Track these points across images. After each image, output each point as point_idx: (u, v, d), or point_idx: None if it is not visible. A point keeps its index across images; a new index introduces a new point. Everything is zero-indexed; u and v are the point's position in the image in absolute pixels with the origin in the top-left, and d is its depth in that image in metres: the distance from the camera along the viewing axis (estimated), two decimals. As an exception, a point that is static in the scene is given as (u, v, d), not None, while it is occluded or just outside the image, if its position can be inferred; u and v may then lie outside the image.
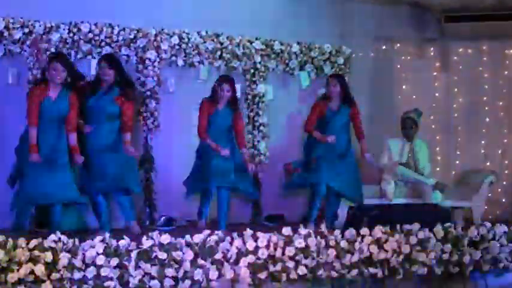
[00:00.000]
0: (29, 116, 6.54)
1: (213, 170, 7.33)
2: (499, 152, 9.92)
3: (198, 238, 5.59)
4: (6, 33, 7.37)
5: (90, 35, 7.73)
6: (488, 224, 6.60)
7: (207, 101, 7.52)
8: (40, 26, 7.50)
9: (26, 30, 7.45)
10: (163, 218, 7.92)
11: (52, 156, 6.59)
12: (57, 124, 6.68)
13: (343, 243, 5.92)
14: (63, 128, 6.70)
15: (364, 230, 6.07)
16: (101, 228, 6.92)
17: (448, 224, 6.35)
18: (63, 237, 5.31)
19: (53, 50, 7.51)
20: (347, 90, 7.93)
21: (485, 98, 9.94)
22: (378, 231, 6.07)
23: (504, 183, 9.74)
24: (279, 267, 5.67)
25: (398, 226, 6.20)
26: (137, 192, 7.28)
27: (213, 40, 8.36)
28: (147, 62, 7.99)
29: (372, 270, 5.93)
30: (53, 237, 5.28)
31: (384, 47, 9.84)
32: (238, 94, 8.21)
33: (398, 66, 9.92)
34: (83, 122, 6.94)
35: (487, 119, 9.94)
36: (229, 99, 7.52)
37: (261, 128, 8.61)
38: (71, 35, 7.65)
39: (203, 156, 7.47)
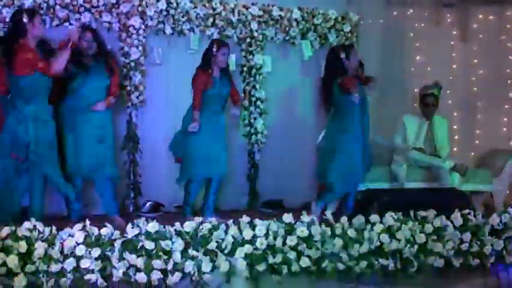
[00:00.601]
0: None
1: (203, 158, 7.40)
2: (524, 130, 9.91)
3: (189, 226, 5.59)
4: (-29, -1, 7.36)
5: (67, 0, 7.70)
6: (512, 211, 6.60)
7: (203, 70, 7.48)
8: (11, -11, 7.47)
9: (-6, -6, 7.44)
10: (149, 203, 7.93)
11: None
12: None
13: (351, 232, 5.91)
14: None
15: (374, 217, 6.06)
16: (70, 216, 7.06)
17: (467, 211, 6.35)
18: (39, 225, 5.30)
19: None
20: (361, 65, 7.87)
21: (508, 70, 9.90)
22: (390, 218, 6.07)
23: (529, 165, 9.71)
24: (279, 258, 5.66)
25: (412, 213, 6.19)
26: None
27: (204, 5, 8.32)
28: (131, 29, 7.95)
29: (382, 261, 5.93)
30: (27, 225, 5.27)
31: (395, 13, 9.78)
32: (233, 66, 8.25)
33: (411, 35, 9.88)
34: None
35: (511, 94, 9.90)
36: (223, 65, 7.54)
37: (258, 103, 8.59)
38: (46, -1, 7.65)
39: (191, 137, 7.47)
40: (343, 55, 7.59)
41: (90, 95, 7.06)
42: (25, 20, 6.64)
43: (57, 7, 7.66)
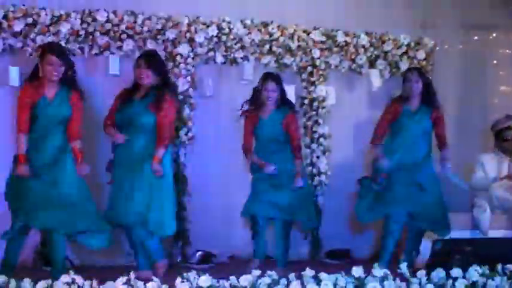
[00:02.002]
0: (17, 120, 6.61)
1: (261, 198, 7.43)
2: None
3: (246, 280, 5.55)
4: (5, 25, 7.48)
5: (108, 26, 7.80)
6: None
7: (250, 108, 7.58)
8: (46, 15, 7.58)
9: (30, 20, 7.55)
10: (199, 253, 7.93)
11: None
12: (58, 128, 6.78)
13: (430, 288, 5.85)
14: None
15: (456, 271, 5.97)
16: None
17: None
18: (78, 278, 5.31)
19: (62, 44, 7.60)
20: (430, 88, 7.81)
21: None
22: (474, 272, 5.97)
23: None
24: (348, 317, 5.61)
25: (499, 266, 6.09)
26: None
27: (260, 30, 8.37)
28: (178, 58, 8.05)
29: (466, 321, 5.85)
30: (65, 278, 5.29)
31: (475, 38, 9.71)
32: (292, 98, 8.24)
33: (495, 62, 9.80)
34: (114, 130, 7.01)
35: None
36: (275, 101, 7.56)
37: (321, 140, 8.58)
38: (85, 25, 7.74)
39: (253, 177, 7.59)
40: None
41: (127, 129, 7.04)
42: None
43: (97, 34, 7.76)
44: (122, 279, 5.40)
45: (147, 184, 6.87)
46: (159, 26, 7.98)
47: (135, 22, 7.89)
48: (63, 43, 7.57)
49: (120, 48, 7.83)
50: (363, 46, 8.77)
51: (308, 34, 8.57)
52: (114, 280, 5.37)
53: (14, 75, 7.46)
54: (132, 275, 5.43)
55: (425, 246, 7.71)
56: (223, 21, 8.22)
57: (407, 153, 7.62)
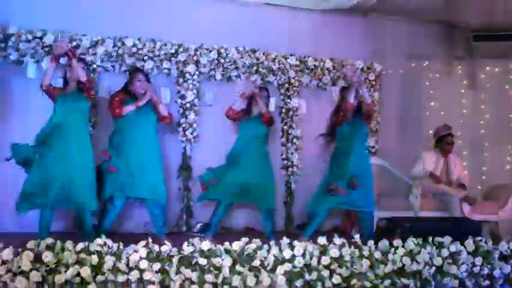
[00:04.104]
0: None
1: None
2: (526, 167, 9.76)
3: (237, 245, 5.52)
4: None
5: (134, 49, 7.76)
6: (519, 239, 6.45)
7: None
8: (87, 39, 7.54)
9: (74, 43, 7.48)
10: (200, 224, 7.89)
11: None
12: None
13: (377, 254, 5.82)
14: None
15: (397, 242, 5.96)
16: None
17: (479, 238, 6.23)
18: (109, 241, 5.28)
19: (98, 62, 7.57)
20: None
21: (511, 115, 9.80)
22: (411, 243, 5.96)
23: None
24: (314, 275, 5.55)
25: (430, 239, 6.08)
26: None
27: (250, 56, 8.34)
28: (187, 75, 8.00)
29: (404, 281, 5.80)
30: (98, 241, 5.26)
31: (413, 65, 9.71)
32: (273, 107, 8.22)
33: (427, 83, 9.81)
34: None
35: (514, 136, 9.79)
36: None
37: (294, 140, 8.56)
38: (116, 48, 7.69)
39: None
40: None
41: None
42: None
43: (125, 55, 7.73)
44: (142, 242, 5.37)
45: None
46: (172, 51, 7.95)
47: (154, 47, 7.85)
48: (99, 62, 7.58)
49: (142, 67, 7.77)
50: (328, 69, 8.75)
51: (286, 59, 8.55)
52: (136, 243, 5.33)
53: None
54: (149, 240, 5.39)
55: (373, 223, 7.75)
56: (222, 47, 8.19)
57: None
